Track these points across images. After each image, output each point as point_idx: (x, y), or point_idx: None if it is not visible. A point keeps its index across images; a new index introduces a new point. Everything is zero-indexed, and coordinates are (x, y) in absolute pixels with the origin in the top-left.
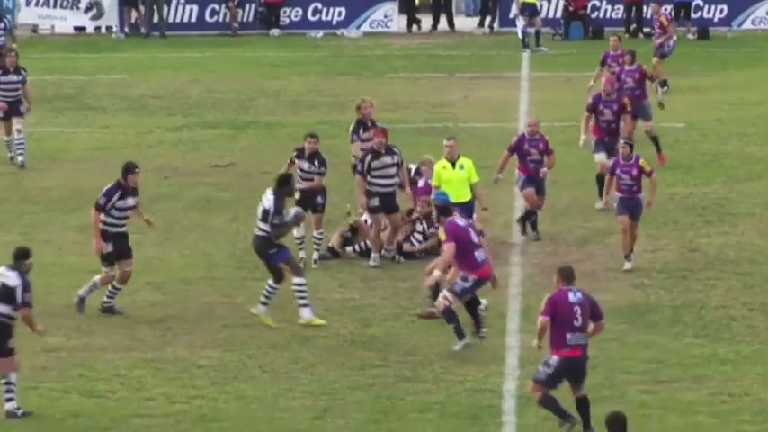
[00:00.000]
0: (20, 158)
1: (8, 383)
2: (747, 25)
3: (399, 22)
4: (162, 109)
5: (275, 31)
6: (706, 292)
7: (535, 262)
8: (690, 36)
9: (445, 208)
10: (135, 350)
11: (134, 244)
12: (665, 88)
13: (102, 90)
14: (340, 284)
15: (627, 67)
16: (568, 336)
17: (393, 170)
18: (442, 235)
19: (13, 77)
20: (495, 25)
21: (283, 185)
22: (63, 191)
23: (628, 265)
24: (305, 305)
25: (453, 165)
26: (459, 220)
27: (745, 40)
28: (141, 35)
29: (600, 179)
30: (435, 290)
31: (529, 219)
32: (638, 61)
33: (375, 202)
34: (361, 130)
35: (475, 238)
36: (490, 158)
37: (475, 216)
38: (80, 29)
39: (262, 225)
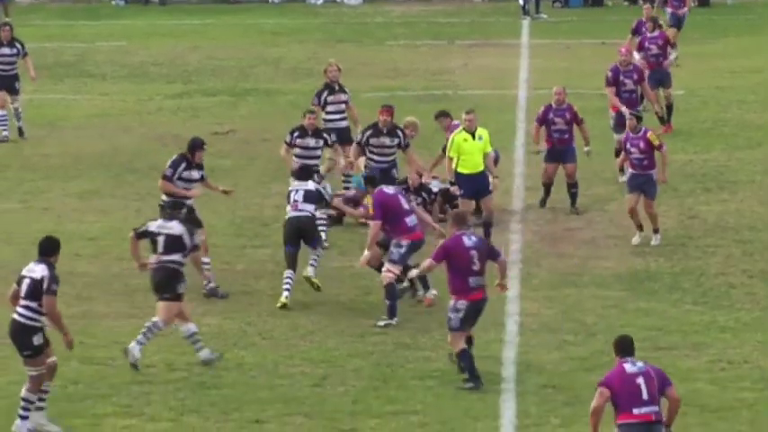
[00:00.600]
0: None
1: (25, 400)
2: None
3: None
4: (162, 76)
5: None
6: (705, 260)
7: (535, 229)
8: (691, 3)
9: (371, 177)
10: (135, 317)
11: (134, 211)
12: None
13: (102, 57)
14: (340, 252)
15: (649, 34)
16: (470, 280)
17: (391, 150)
18: (370, 206)
19: (6, 50)
20: None
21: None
22: (63, 158)
23: (636, 240)
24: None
25: (473, 136)
26: (387, 189)
27: (745, 7)
28: (141, 2)
29: (618, 154)
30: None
31: (548, 193)
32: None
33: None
34: (325, 93)
35: (405, 205)
36: (490, 125)
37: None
38: None
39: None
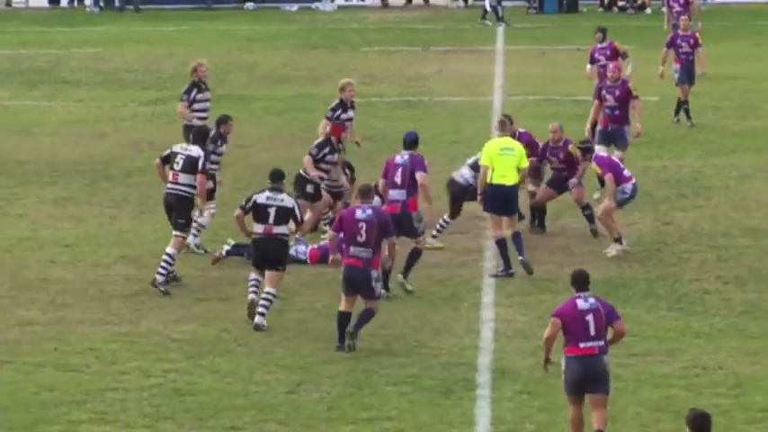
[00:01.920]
0: None
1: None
2: None
3: None
4: (136, 83)
5: (250, 5)
6: (680, 266)
7: (509, 234)
8: (664, 10)
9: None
10: (109, 324)
11: (109, 218)
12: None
13: (77, 64)
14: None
15: (599, 45)
16: (351, 248)
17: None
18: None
19: None
20: None
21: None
22: (38, 164)
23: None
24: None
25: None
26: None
27: (719, 13)
28: (116, 9)
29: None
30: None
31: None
32: (608, 39)
33: (311, 189)
34: (194, 92)
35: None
36: (464, 132)
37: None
38: (55, 2)
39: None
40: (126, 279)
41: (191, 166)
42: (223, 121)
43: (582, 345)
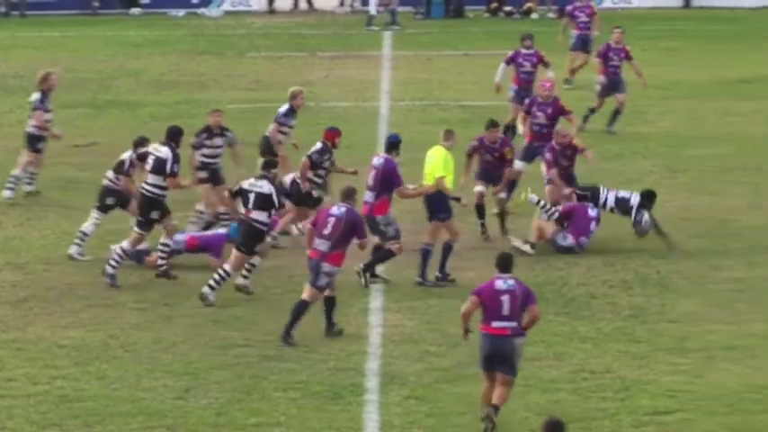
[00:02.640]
0: None
1: None
2: (608, 4)
3: (260, 1)
4: (22, 89)
5: (136, 10)
6: (567, 270)
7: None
8: (550, 15)
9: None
10: None
11: None
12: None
13: None
14: (203, 264)
15: (524, 51)
16: (315, 240)
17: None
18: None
19: None
20: (357, 4)
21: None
22: None
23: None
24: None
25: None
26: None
27: (606, 19)
28: (1, 14)
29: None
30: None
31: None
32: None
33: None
34: (47, 101)
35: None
36: (351, 137)
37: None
38: None
39: None
40: (12, 286)
41: (159, 167)
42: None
43: (494, 324)
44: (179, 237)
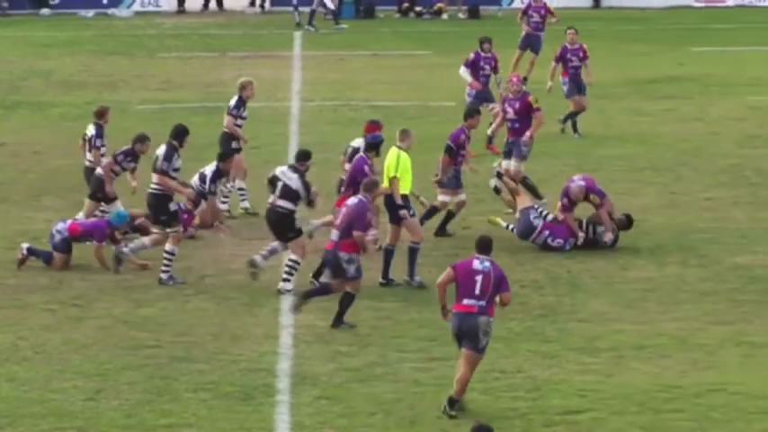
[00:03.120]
0: None
1: None
2: (517, 4)
3: (170, 2)
4: None
5: (45, 11)
6: None
7: (308, 241)
8: (461, 15)
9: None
10: None
11: None
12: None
13: None
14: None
15: (484, 54)
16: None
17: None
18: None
19: None
20: (267, 4)
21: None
22: None
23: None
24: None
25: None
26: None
27: (515, 19)
28: None
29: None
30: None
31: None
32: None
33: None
34: None
35: None
36: (261, 137)
37: None
38: None
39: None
40: None
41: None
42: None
43: (465, 301)
44: (61, 225)
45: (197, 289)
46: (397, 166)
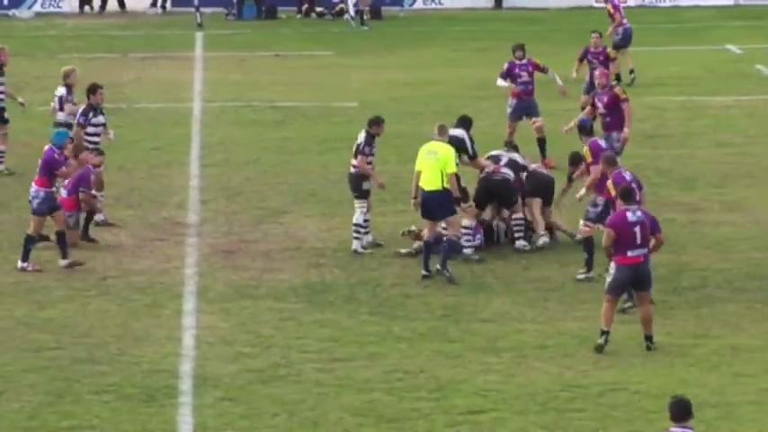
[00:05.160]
0: None
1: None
2: (419, 5)
3: (71, 3)
4: None
5: None
6: (381, 270)
7: (210, 242)
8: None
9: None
10: None
11: None
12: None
13: None
14: (12, 267)
15: (518, 62)
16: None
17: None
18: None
19: None
20: (168, 5)
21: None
22: None
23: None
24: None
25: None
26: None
27: (417, 19)
28: None
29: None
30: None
31: None
32: (528, 55)
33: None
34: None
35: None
36: (162, 138)
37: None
38: None
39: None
40: None
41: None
42: (92, 90)
43: (629, 253)
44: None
45: (99, 290)
46: (452, 161)
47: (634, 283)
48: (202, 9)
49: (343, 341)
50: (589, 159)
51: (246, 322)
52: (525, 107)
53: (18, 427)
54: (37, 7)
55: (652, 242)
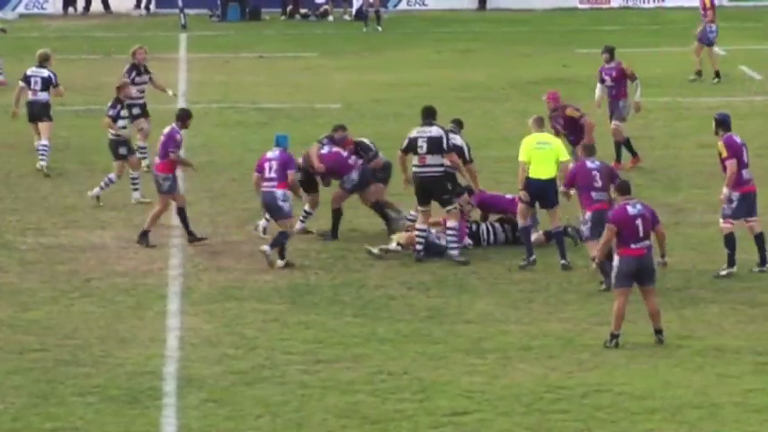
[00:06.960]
0: None
1: None
2: (403, 6)
3: (55, 4)
4: None
5: None
6: (365, 272)
7: (195, 243)
8: (347, 17)
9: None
10: None
11: None
12: (716, 79)
13: None
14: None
15: (606, 65)
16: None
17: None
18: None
19: None
20: (152, 6)
21: None
22: None
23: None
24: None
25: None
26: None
27: (401, 21)
28: None
29: None
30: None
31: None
32: (617, 59)
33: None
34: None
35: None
36: (148, 139)
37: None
38: None
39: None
40: None
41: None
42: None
43: (633, 245)
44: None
45: (82, 292)
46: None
47: (638, 275)
48: (186, 10)
49: (327, 343)
50: (725, 154)
51: (231, 324)
52: (612, 109)
53: (2, 428)
54: (21, 8)
55: (658, 237)
